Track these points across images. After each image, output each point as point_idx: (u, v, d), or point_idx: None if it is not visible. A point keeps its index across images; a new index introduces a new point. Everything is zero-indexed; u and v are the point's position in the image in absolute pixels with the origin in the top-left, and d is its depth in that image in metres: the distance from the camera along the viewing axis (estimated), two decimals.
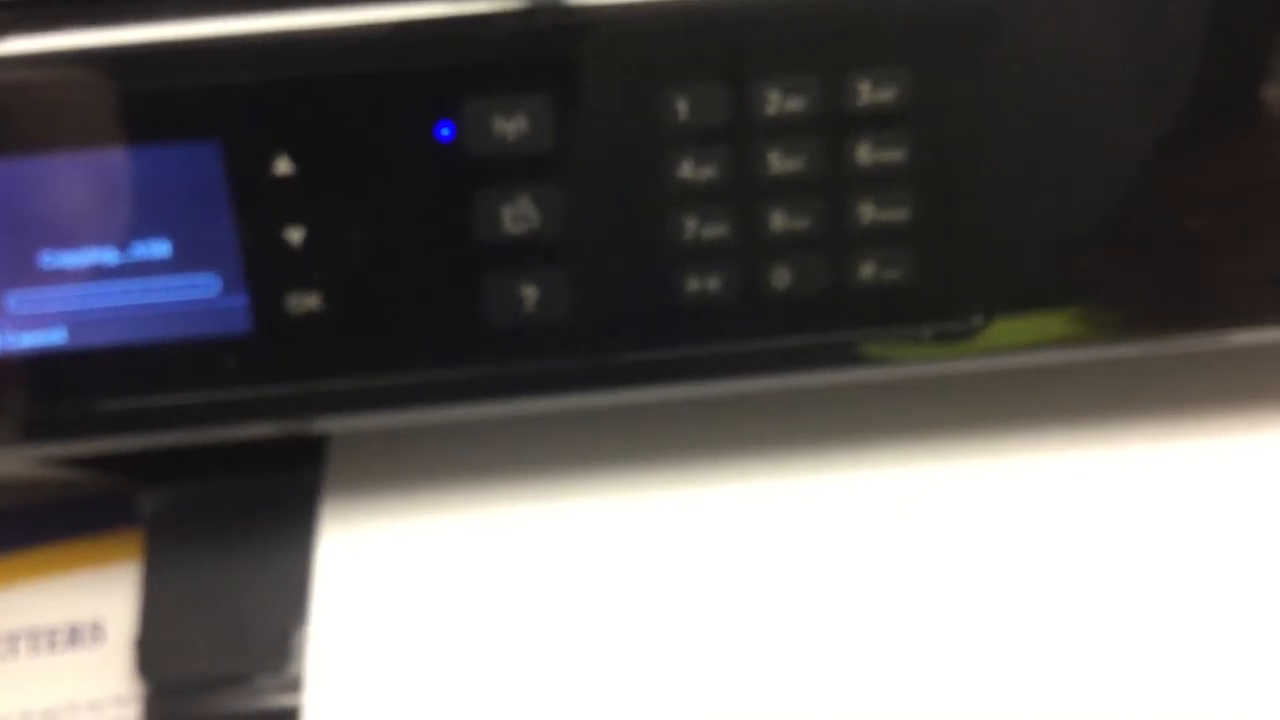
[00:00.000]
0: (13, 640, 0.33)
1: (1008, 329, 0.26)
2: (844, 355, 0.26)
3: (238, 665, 0.31)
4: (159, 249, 0.25)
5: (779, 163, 0.25)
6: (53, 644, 0.33)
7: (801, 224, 0.25)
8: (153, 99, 0.24)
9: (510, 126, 0.24)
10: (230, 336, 0.25)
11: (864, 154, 0.24)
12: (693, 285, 0.25)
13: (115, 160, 0.24)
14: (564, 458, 0.32)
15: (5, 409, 0.26)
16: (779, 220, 0.25)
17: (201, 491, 0.32)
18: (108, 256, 0.25)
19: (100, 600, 0.33)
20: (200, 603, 0.31)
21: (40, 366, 0.25)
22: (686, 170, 0.24)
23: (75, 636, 0.33)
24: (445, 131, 0.24)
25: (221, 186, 0.24)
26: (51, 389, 0.26)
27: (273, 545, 0.31)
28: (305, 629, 0.31)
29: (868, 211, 0.25)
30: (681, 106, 0.24)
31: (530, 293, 0.25)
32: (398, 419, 0.27)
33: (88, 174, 0.24)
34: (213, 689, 0.31)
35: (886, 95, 0.24)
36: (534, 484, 0.32)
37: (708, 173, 0.24)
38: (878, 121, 0.24)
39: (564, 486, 0.32)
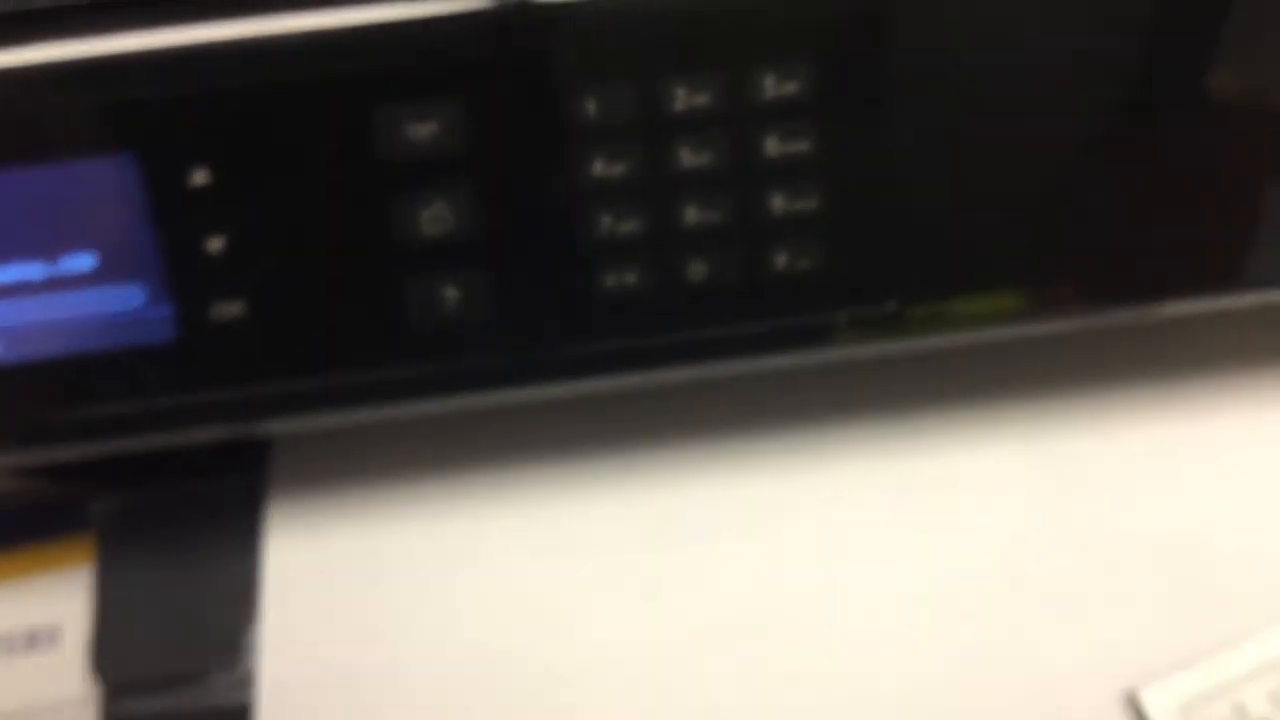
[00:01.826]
0: None
1: (924, 313, 0.27)
2: (763, 343, 0.26)
3: (190, 664, 0.31)
4: (84, 262, 0.25)
5: (689, 157, 0.25)
6: (11, 649, 0.33)
7: (714, 217, 0.25)
8: (70, 113, 0.24)
9: (423, 131, 0.24)
10: (157, 346, 0.26)
11: (772, 146, 0.25)
12: (610, 281, 0.26)
13: (37, 176, 0.25)
14: (507, 452, 0.33)
15: None
16: (692, 214, 0.25)
17: (151, 496, 0.33)
18: (33, 271, 0.25)
19: (57, 605, 0.34)
20: (152, 604, 0.32)
21: None
22: (599, 168, 0.25)
23: (33, 641, 0.33)
24: (360, 138, 0.24)
25: (141, 199, 0.25)
26: None
27: (221, 546, 0.32)
28: (255, 627, 0.31)
29: (778, 203, 0.25)
30: (591, 105, 0.25)
31: (450, 293, 0.25)
32: (328, 421, 0.28)
33: (10, 190, 0.25)
34: (167, 687, 0.31)
35: (790, 88, 0.24)
36: (481, 479, 0.33)
37: (620, 170, 0.25)
38: (784, 114, 0.25)
39: (507, 481, 0.32)
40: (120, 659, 0.32)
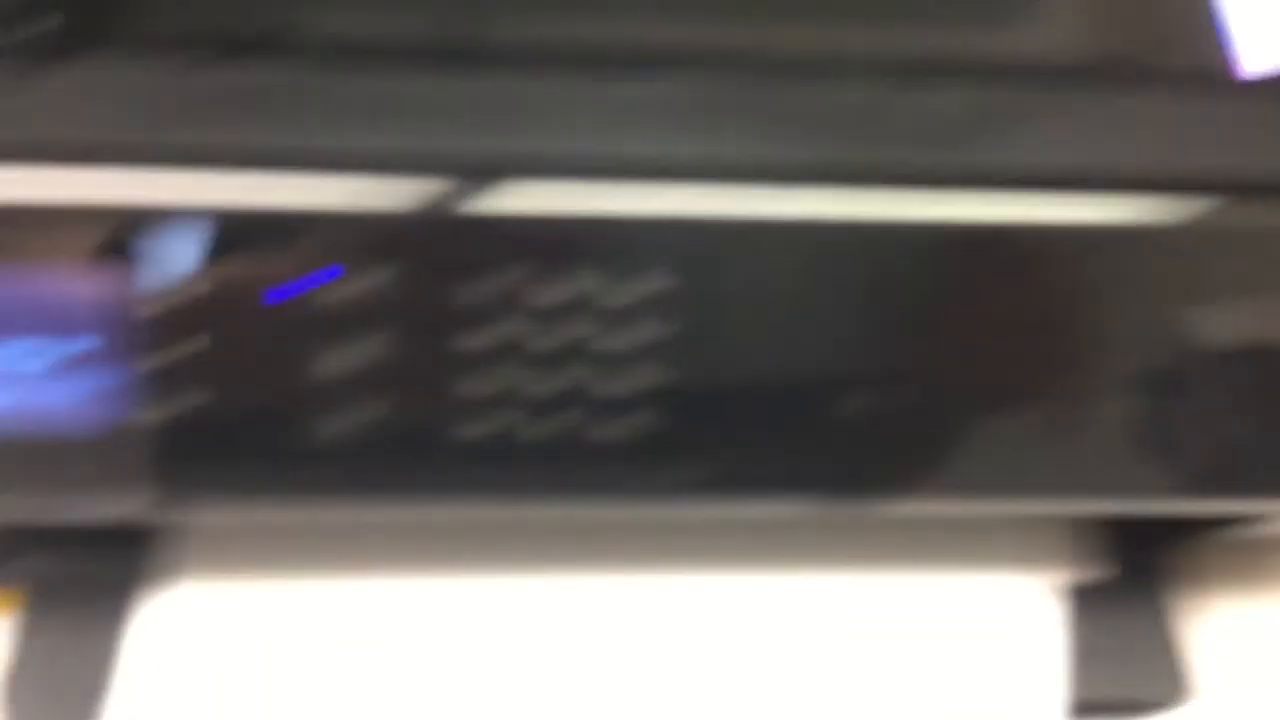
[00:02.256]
0: None
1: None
2: (584, 494, 0.33)
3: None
4: (35, 364, 0.31)
5: (543, 340, 0.31)
6: None
7: (552, 388, 0.32)
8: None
9: (329, 292, 0.31)
10: (90, 443, 0.31)
11: (610, 340, 0.31)
12: (469, 431, 0.32)
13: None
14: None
15: None
16: (543, 388, 0.32)
17: (56, 562, 0.38)
18: None
19: None
20: (50, 658, 0.37)
21: None
22: (462, 343, 0.31)
23: None
24: (274, 294, 0.31)
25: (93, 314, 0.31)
26: None
27: (96, 613, 0.37)
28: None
29: (611, 385, 0.32)
30: (468, 293, 0.31)
31: (342, 425, 0.31)
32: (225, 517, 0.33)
33: None
34: None
35: (641, 291, 0.31)
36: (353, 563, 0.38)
37: (481, 342, 0.31)
38: (623, 315, 0.31)
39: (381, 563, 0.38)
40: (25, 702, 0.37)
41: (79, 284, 0.30)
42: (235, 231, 0.31)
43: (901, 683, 0.37)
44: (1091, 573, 0.40)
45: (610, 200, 0.31)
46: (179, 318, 0.30)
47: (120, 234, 0.30)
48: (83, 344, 0.31)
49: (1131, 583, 0.40)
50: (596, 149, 0.32)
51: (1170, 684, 0.39)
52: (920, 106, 0.33)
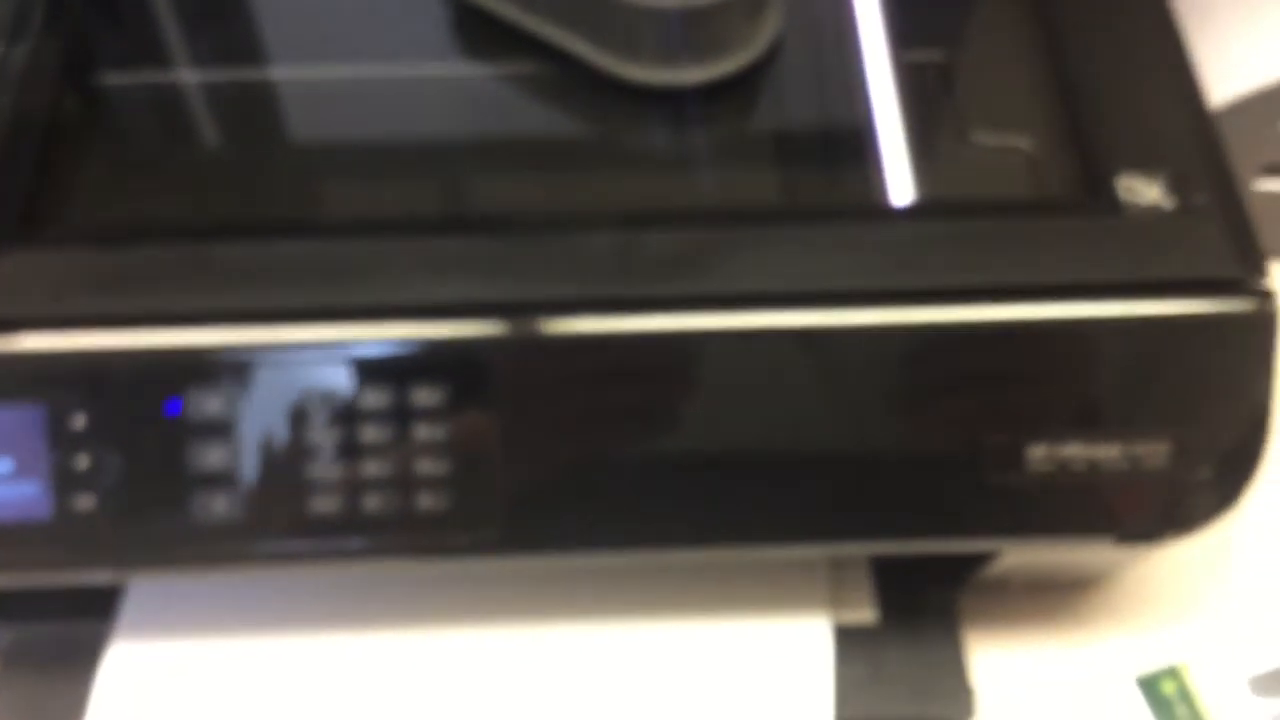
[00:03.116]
0: None
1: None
2: (406, 553, 0.42)
3: None
4: (4, 466, 0.42)
5: (371, 435, 0.42)
6: None
7: (386, 471, 0.42)
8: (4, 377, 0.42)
9: (208, 406, 0.41)
10: (41, 521, 0.42)
11: (420, 432, 0.41)
12: (315, 507, 0.42)
13: None
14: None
15: None
16: (370, 468, 0.42)
17: (32, 631, 0.48)
18: None
19: None
20: (23, 708, 0.47)
21: None
22: (312, 436, 0.41)
23: None
24: (172, 408, 0.41)
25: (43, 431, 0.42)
26: None
27: (69, 668, 0.47)
28: None
29: (424, 465, 0.42)
30: (314, 407, 0.42)
31: (215, 504, 0.42)
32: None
33: None
34: None
35: (432, 399, 0.41)
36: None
37: (323, 439, 0.41)
38: (427, 415, 0.41)
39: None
40: None
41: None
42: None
43: None
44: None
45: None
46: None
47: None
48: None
49: (920, 618, 0.48)
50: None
51: (960, 705, 0.46)
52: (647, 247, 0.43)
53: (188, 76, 0.53)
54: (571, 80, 0.51)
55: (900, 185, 0.47)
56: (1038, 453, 0.41)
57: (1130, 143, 0.45)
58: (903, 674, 0.46)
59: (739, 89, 0.50)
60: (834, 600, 0.47)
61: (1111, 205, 0.44)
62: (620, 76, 0.50)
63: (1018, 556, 0.45)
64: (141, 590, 0.49)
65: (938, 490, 0.42)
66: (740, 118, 0.51)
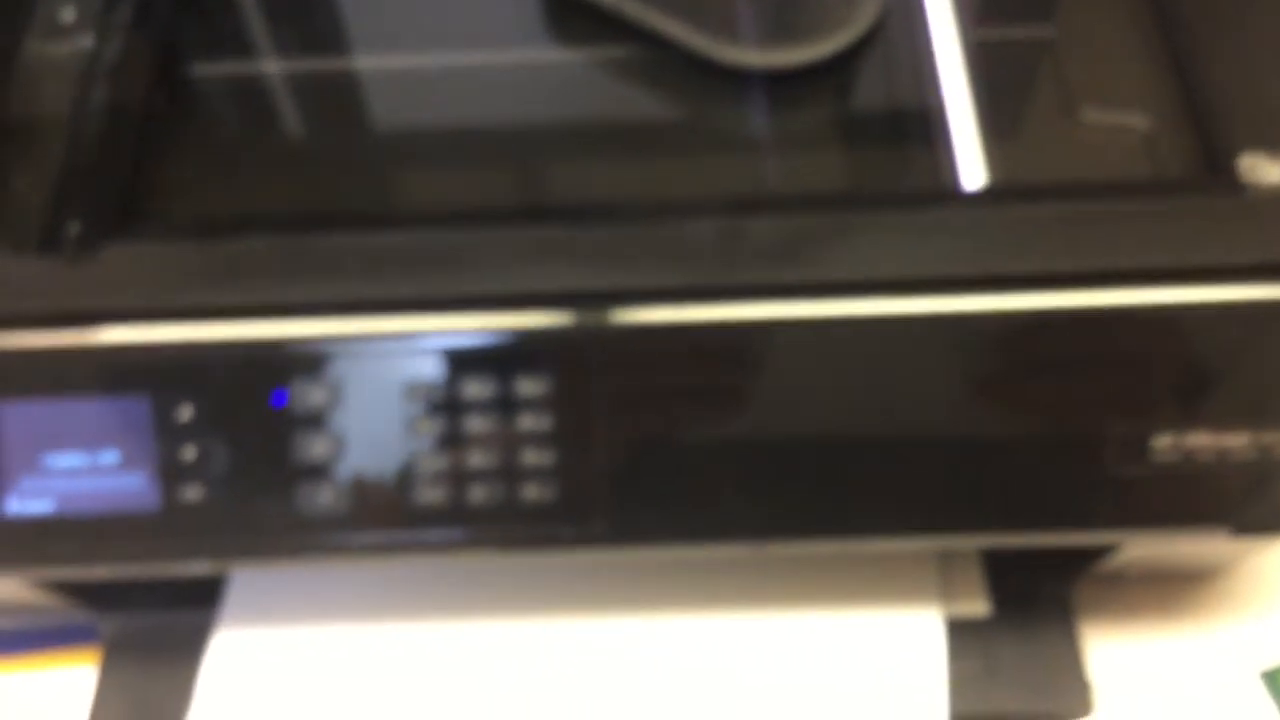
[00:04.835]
0: None
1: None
2: (513, 545, 0.42)
3: None
4: (111, 458, 0.42)
5: (477, 426, 0.41)
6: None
7: (493, 463, 0.41)
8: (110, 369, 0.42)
9: (313, 397, 0.41)
10: (148, 512, 0.42)
11: (526, 423, 0.41)
12: (421, 499, 0.41)
13: (92, 405, 0.42)
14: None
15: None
16: (476, 460, 0.41)
17: (137, 620, 0.49)
18: (81, 461, 0.42)
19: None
20: (128, 695, 0.48)
21: (35, 523, 0.42)
22: (417, 427, 0.41)
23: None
24: (278, 399, 0.41)
25: (150, 423, 0.42)
26: (43, 536, 0.43)
27: (174, 656, 0.47)
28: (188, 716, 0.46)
29: (529, 457, 0.41)
30: (419, 398, 0.41)
31: (320, 495, 0.41)
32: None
33: (73, 412, 0.42)
34: None
35: (536, 390, 0.41)
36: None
37: (426, 429, 0.41)
38: (531, 405, 0.41)
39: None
40: None
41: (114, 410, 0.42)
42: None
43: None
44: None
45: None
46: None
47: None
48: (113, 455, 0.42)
49: (1035, 611, 0.47)
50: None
51: (1077, 699, 0.45)
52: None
53: (277, 67, 0.53)
54: (666, 64, 0.50)
55: (1009, 167, 0.45)
56: (1163, 443, 0.40)
57: (1251, 119, 0.44)
58: (1017, 668, 0.45)
59: (838, 71, 0.49)
60: (945, 592, 0.46)
61: (1233, 185, 0.42)
62: (717, 59, 0.49)
63: (1138, 549, 0.44)
64: (245, 578, 0.49)
65: (1059, 482, 0.41)
66: (840, 100, 0.50)
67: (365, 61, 0.53)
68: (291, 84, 0.53)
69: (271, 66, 0.53)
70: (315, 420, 0.41)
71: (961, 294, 0.40)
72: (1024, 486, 0.41)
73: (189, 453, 0.42)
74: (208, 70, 0.53)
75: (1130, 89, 0.47)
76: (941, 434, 0.41)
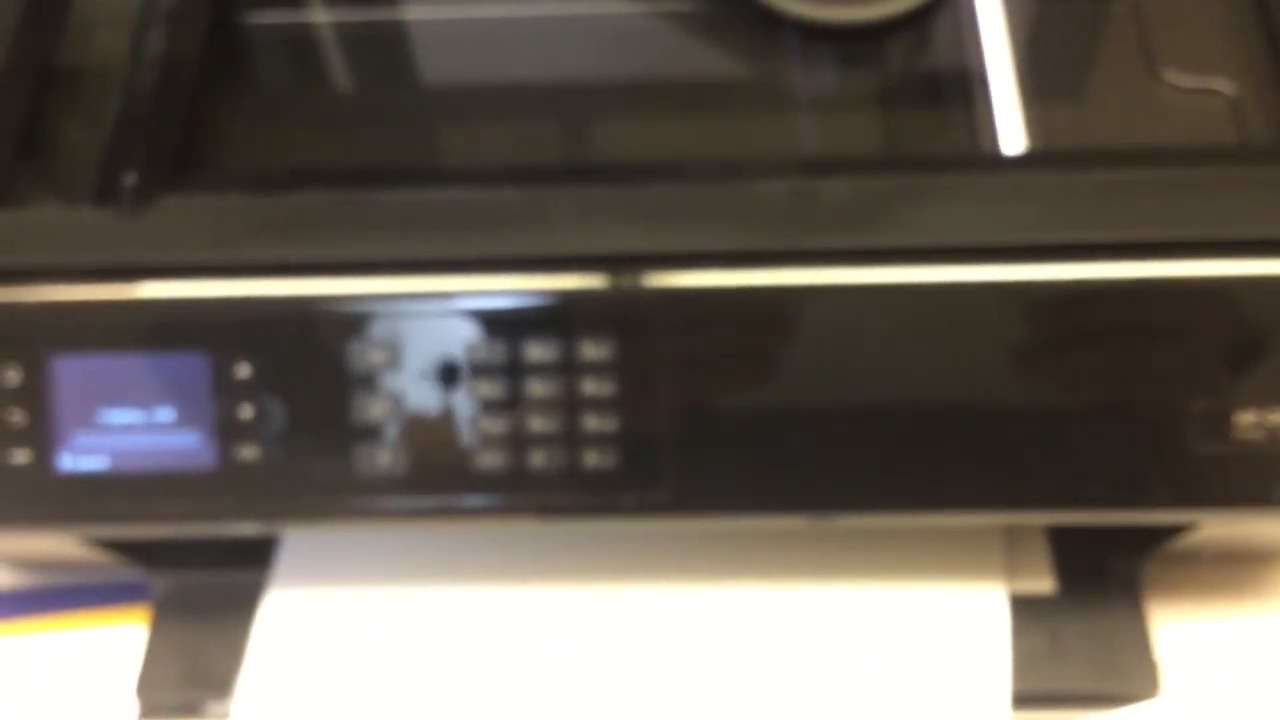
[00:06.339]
0: None
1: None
2: (576, 512, 0.41)
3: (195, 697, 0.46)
4: (166, 415, 0.42)
5: (538, 389, 0.40)
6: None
7: (553, 427, 0.40)
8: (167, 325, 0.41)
9: (372, 357, 0.40)
10: (204, 471, 0.42)
11: (587, 387, 0.40)
12: (479, 462, 0.41)
13: (147, 361, 0.41)
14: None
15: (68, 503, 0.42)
16: (537, 424, 0.40)
17: (188, 579, 0.48)
18: (136, 417, 0.42)
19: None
20: (179, 654, 0.47)
21: (89, 479, 0.42)
22: (477, 390, 0.40)
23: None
24: (336, 358, 0.41)
25: (205, 380, 0.41)
26: (97, 493, 0.42)
27: (226, 615, 0.47)
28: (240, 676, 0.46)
29: (591, 422, 0.40)
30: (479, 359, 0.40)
31: (378, 457, 0.41)
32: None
33: (129, 368, 0.41)
34: (180, 711, 0.46)
35: (599, 353, 0.40)
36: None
37: (487, 392, 0.40)
38: (594, 369, 0.40)
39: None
40: (153, 689, 0.47)
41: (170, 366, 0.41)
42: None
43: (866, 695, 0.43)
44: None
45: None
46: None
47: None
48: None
49: (1101, 589, 0.46)
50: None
51: (1144, 680, 0.44)
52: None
53: (331, 16, 0.52)
54: (734, 17, 0.48)
55: (1090, 130, 0.44)
56: (1246, 419, 0.39)
57: None
58: (1082, 647, 0.44)
59: (913, 27, 0.48)
60: (1010, 568, 0.45)
61: None
62: (788, 13, 0.47)
63: (1215, 529, 0.43)
64: (297, 538, 0.49)
65: (1137, 458, 0.39)
66: (915, 57, 0.48)
67: (420, 11, 0.52)
68: (345, 34, 0.52)
69: (325, 16, 0.52)
70: (373, 380, 0.41)
71: (1035, 262, 0.39)
72: (1100, 463, 0.40)
73: (245, 411, 0.41)
74: (262, 19, 0.52)
75: (1217, 51, 0.45)
76: (1016, 406, 0.39)
